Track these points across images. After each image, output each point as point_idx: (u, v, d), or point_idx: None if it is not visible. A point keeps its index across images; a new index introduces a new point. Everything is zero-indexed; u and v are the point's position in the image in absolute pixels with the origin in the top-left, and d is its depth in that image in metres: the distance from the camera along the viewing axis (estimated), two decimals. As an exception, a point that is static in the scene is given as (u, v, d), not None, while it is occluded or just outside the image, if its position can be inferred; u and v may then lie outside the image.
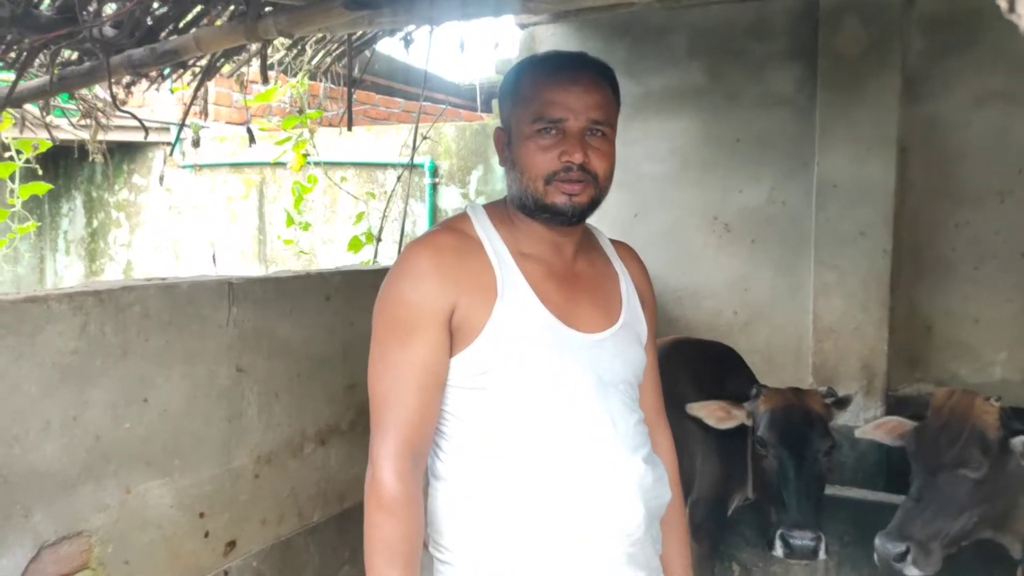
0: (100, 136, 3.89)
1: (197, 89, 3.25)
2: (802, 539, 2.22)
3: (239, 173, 5.77)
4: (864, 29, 3.44)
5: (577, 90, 1.39)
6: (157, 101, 5.98)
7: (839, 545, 2.94)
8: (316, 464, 2.34)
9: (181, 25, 2.54)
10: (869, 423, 2.44)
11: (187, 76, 3.55)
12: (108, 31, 2.38)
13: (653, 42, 3.91)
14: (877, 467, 3.50)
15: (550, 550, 1.36)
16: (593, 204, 1.42)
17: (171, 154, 5.85)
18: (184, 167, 5.93)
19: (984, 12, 3.26)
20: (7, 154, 3.82)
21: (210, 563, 2.01)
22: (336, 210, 5.42)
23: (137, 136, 4.72)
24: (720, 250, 3.88)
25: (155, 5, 2.42)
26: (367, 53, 3.71)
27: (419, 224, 5.08)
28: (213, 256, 5.74)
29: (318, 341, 2.32)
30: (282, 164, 4.82)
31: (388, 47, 7.68)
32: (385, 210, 4.70)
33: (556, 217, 1.41)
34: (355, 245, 4.38)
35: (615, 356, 1.45)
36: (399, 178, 4.93)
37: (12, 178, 3.82)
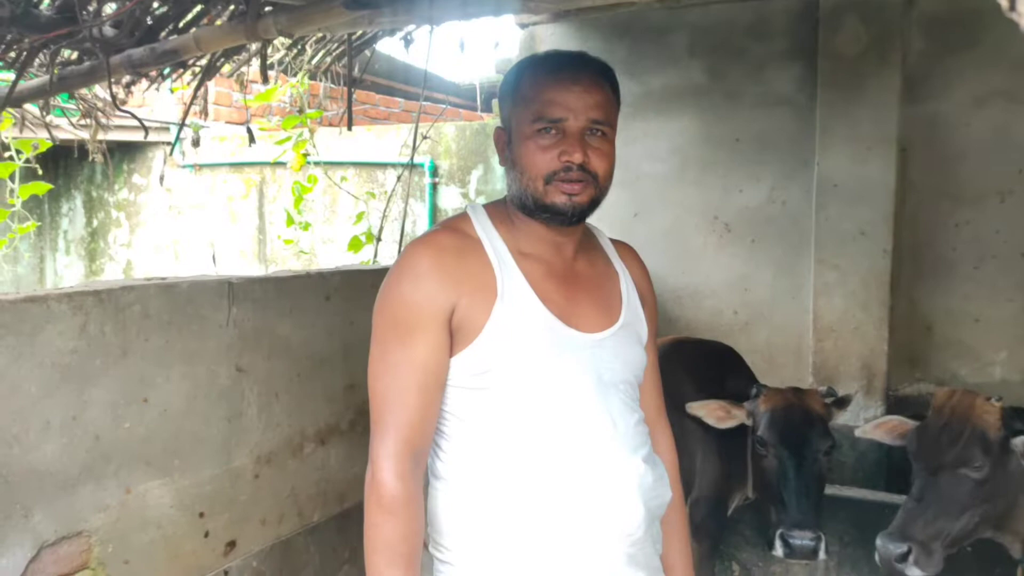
0: (100, 136, 3.89)
1: (197, 89, 3.25)
2: (802, 539, 2.22)
3: (239, 173, 5.77)
4: (864, 28, 3.44)
5: (577, 90, 1.39)
6: (157, 101, 5.98)
7: (839, 545, 2.94)
8: (316, 464, 2.33)
9: (181, 25, 2.54)
10: (869, 422, 2.43)
11: (187, 76, 3.55)
12: (108, 31, 2.38)
13: (653, 42, 3.91)
14: (877, 467, 3.50)
15: (550, 550, 1.36)
16: (593, 204, 1.42)
17: (171, 154, 5.84)
18: (184, 167, 5.93)
19: (984, 11, 3.26)
20: (7, 154, 3.82)
21: (210, 563, 2.01)
22: (336, 210, 5.42)
23: (137, 136, 4.72)
24: (720, 250, 3.88)
25: (155, 5, 2.41)
26: (367, 53, 3.71)
27: (419, 224, 5.08)
28: (213, 256, 5.74)
29: (318, 341, 2.32)
30: (282, 164, 4.82)
31: (388, 47, 7.68)
32: (385, 210, 4.70)
33: (556, 217, 1.40)
34: (355, 245, 4.38)
35: (615, 356, 1.45)
36: (399, 178, 4.93)
37: (12, 178, 3.81)
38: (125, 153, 6.11)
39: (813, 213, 3.61)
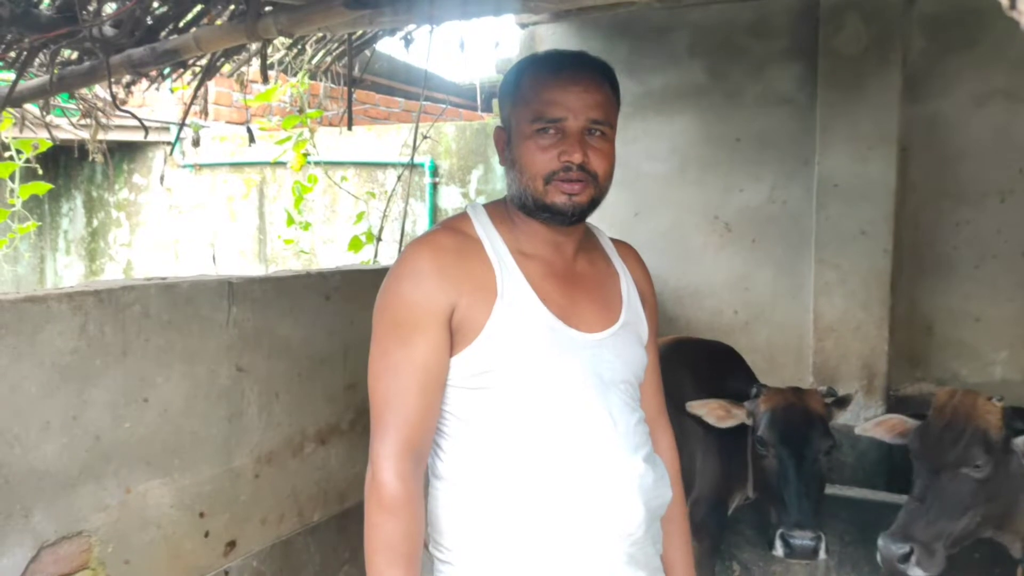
0: (100, 136, 3.90)
1: (197, 89, 3.25)
2: (802, 539, 2.22)
3: (239, 173, 5.77)
4: (865, 28, 3.44)
5: (576, 90, 1.38)
6: (157, 101, 5.98)
7: (839, 545, 2.94)
8: (316, 464, 2.33)
9: (181, 24, 2.54)
10: (870, 420, 2.43)
11: (187, 76, 3.55)
12: (108, 30, 2.38)
13: (654, 41, 3.91)
14: (877, 466, 3.50)
15: (550, 550, 1.36)
16: (593, 204, 1.42)
17: (171, 154, 5.84)
18: (184, 167, 5.93)
19: (985, 11, 3.25)
20: (7, 154, 3.82)
21: (210, 563, 2.01)
22: (336, 210, 5.42)
23: (137, 136, 4.73)
24: (721, 249, 3.87)
25: (155, 4, 2.42)
26: (367, 52, 3.71)
27: (419, 224, 5.08)
28: (213, 256, 5.74)
29: (318, 341, 2.32)
30: (282, 164, 4.82)
31: (388, 46, 7.68)
32: (385, 210, 4.70)
33: (556, 217, 1.40)
34: (355, 245, 4.38)
35: (616, 356, 1.45)
36: (399, 178, 4.92)
37: (12, 178, 3.81)
38: (125, 153, 6.11)
39: (814, 213, 3.61)
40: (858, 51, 3.46)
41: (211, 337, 1.99)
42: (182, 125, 3.90)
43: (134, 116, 3.01)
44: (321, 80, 4.41)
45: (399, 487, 1.31)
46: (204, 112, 4.68)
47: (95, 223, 6.38)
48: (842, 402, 2.54)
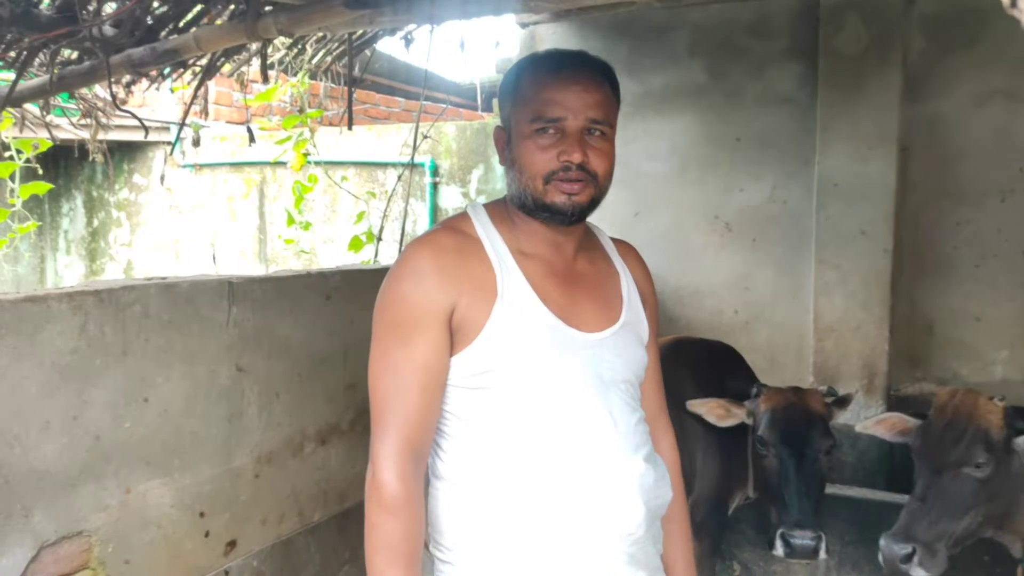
0: (100, 135, 3.90)
1: (197, 88, 3.25)
2: (802, 539, 2.22)
3: (239, 172, 5.77)
4: (865, 28, 3.44)
5: (576, 89, 1.38)
6: (157, 100, 5.98)
7: (840, 544, 2.94)
8: (316, 464, 2.33)
9: (181, 24, 2.54)
10: (870, 418, 2.43)
11: (187, 75, 3.55)
12: (108, 30, 2.38)
13: (654, 41, 3.91)
14: (878, 466, 3.50)
15: (551, 549, 1.35)
16: (593, 203, 1.42)
17: (171, 153, 5.85)
18: (184, 166, 5.93)
19: (985, 11, 3.26)
20: (7, 153, 3.82)
21: (210, 563, 2.01)
22: (337, 209, 5.42)
23: (137, 135, 4.73)
24: (721, 249, 3.87)
25: (155, 4, 2.41)
26: (367, 52, 3.71)
27: (420, 223, 5.08)
28: (213, 255, 5.74)
29: (318, 340, 2.32)
30: (282, 163, 4.82)
31: (389, 46, 7.69)
32: (386, 209, 4.70)
33: (556, 216, 1.40)
34: (356, 244, 4.38)
35: (616, 355, 1.45)
36: (400, 177, 4.92)
37: (12, 178, 3.81)
38: (125, 153, 6.11)
39: (814, 212, 3.61)
40: (858, 51, 3.46)
41: (211, 337, 1.99)
42: (182, 125, 3.90)
43: (134, 116, 3.01)
44: (321, 80, 4.41)
45: (399, 487, 1.31)
46: (204, 112, 4.68)
47: (95, 223, 6.38)
48: (842, 402, 2.54)
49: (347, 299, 2.40)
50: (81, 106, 3.79)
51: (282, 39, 3.07)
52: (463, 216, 1.49)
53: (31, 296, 1.61)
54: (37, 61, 2.72)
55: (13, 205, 3.90)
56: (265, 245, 5.72)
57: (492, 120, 5.09)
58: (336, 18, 2.07)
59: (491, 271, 1.39)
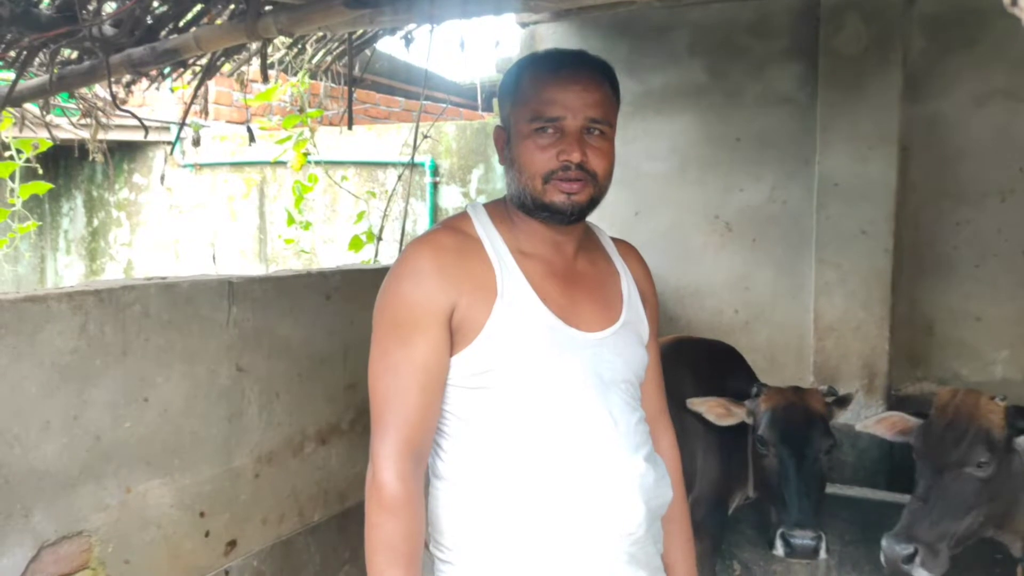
0: (100, 135, 3.90)
1: (197, 88, 3.25)
2: (803, 538, 2.22)
3: (239, 172, 5.77)
4: (865, 27, 3.44)
5: (575, 88, 1.38)
6: (157, 100, 5.98)
7: (840, 544, 2.94)
8: (317, 463, 2.33)
9: (181, 24, 2.54)
10: (870, 418, 2.43)
11: (187, 75, 3.55)
12: (108, 30, 2.38)
13: (654, 40, 3.91)
14: (878, 466, 3.50)
15: (551, 549, 1.35)
16: (592, 203, 1.42)
17: (171, 153, 5.84)
18: (184, 166, 5.93)
19: (985, 10, 3.26)
20: (7, 153, 3.82)
21: (210, 563, 2.01)
22: (337, 209, 5.42)
23: (137, 135, 4.72)
24: (721, 249, 3.87)
25: (155, 4, 2.41)
26: (368, 52, 3.71)
27: (420, 223, 5.08)
28: (213, 255, 5.74)
29: (318, 340, 2.32)
30: (283, 163, 4.82)
31: (389, 46, 7.69)
32: (386, 209, 4.70)
33: (555, 216, 1.40)
34: (356, 244, 4.38)
35: (616, 355, 1.45)
36: (400, 177, 4.92)
37: (12, 177, 3.81)
38: (125, 153, 6.11)
39: (814, 212, 3.61)
40: (858, 51, 3.46)
41: (211, 337, 1.99)
42: (182, 125, 3.90)
43: (134, 116, 3.01)
44: (321, 79, 4.41)
45: (399, 487, 1.31)
46: (204, 112, 4.68)
47: (95, 223, 6.38)
48: (843, 401, 2.54)
49: (347, 299, 2.40)
50: (81, 106, 3.79)
51: (282, 39, 3.07)
52: (463, 216, 1.49)
53: (31, 296, 1.61)
54: (37, 61, 2.72)
55: (13, 205, 3.90)
56: (265, 245, 5.72)
57: (492, 120, 5.09)
58: (336, 18, 2.06)
59: (491, 271, 1.39)
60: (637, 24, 3.91)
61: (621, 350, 1.46)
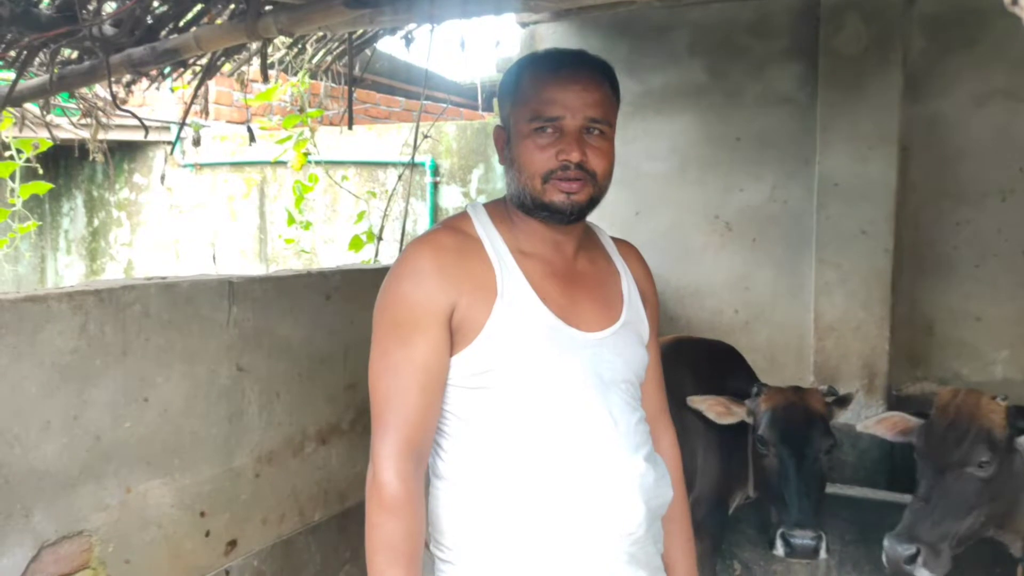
0: (100, 135, 3.90)
1: (198, 88, 3.25)
2: (803, 538, 2.22)
3: (240, 172, 5.77)
4: (865, 27, 3.44)
5: (575, 88, 1.38)
6: (157, 100, 5.98)
7: (840, 544, 2.94)
8: (317, 463, 2.33)
9: (181, 24, 2.54)
10: (871, 418, 2.43)
11: (187, 75, 3.55)
12: (108, 30, 2.38)
13: (654, 40, 3.91)
14: (878, 465, 3.50)
15: (551, 549, 1.35)
16: (592, 202, 1.42)
17: (172, 153, 5.85)
18: (185, 166, 5.93)
19: (985, 10, 3.25)
20: (7, 153, 3.82)
21: (211, 562, 2.01)
22: (337, 209, 5.42)
23: (138, 135, 4.72)
24: (721, 249, 3.87)
25: (155, 4, 2.41)
26: (368, 52, 3.71)
27: (420, 223, 5.08)
28: (214, 255, 5.74)
29: (319, 340, 2.32)
30: (283, 163, 4.82)
31: (389, 46, 7.68)
32: (386, 209, 4.70)
33: (554, 215, 1.40)
34: (356, 244, 4.38)
35: (616, 355, 1.45)
36: (400, 177, 4.92)
37: (12, 177, 3.81)
38: (126, 152, 6.11)
39: (814, 212, 3.61)
40: (858, 51, 3.45)
41: (211, 337, 1.99)
42: (182, 124, 3.90)
43: (134, 116, 3.01)
44: (322, 79, 4.41)
45: (400, 487, 1.31)
46: (204, 111, 4.69)
47: (96, 223, 6.38)
48: (843, 401, 2.54)
49: (347, 299, 2.40)
50: (81, 106, 3.80)
51: (282, 39, 3.07)
52: (463, 216, 1.49)
53: (31, 296, 1.61)
54: (37, 61, 2.72)
55: (13, 205, 3.90)
56: (265, 245, 5.72)
57: (492, 120, 5.09)
58: (336, 17, 2.06)
59: (491, 271, 1.39)
60: (637, 24, 3.91)
61: (621, 350, 1.46)
